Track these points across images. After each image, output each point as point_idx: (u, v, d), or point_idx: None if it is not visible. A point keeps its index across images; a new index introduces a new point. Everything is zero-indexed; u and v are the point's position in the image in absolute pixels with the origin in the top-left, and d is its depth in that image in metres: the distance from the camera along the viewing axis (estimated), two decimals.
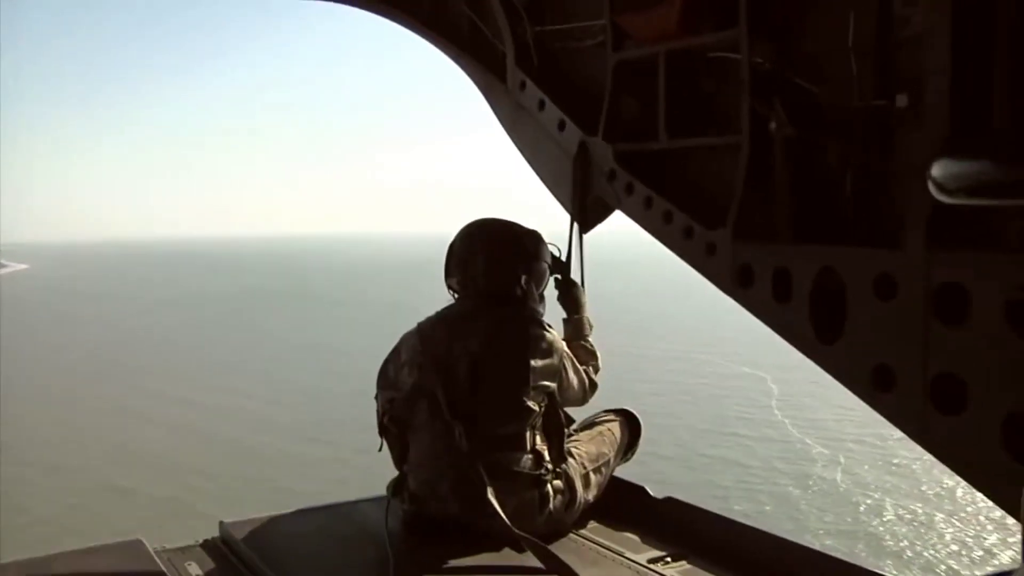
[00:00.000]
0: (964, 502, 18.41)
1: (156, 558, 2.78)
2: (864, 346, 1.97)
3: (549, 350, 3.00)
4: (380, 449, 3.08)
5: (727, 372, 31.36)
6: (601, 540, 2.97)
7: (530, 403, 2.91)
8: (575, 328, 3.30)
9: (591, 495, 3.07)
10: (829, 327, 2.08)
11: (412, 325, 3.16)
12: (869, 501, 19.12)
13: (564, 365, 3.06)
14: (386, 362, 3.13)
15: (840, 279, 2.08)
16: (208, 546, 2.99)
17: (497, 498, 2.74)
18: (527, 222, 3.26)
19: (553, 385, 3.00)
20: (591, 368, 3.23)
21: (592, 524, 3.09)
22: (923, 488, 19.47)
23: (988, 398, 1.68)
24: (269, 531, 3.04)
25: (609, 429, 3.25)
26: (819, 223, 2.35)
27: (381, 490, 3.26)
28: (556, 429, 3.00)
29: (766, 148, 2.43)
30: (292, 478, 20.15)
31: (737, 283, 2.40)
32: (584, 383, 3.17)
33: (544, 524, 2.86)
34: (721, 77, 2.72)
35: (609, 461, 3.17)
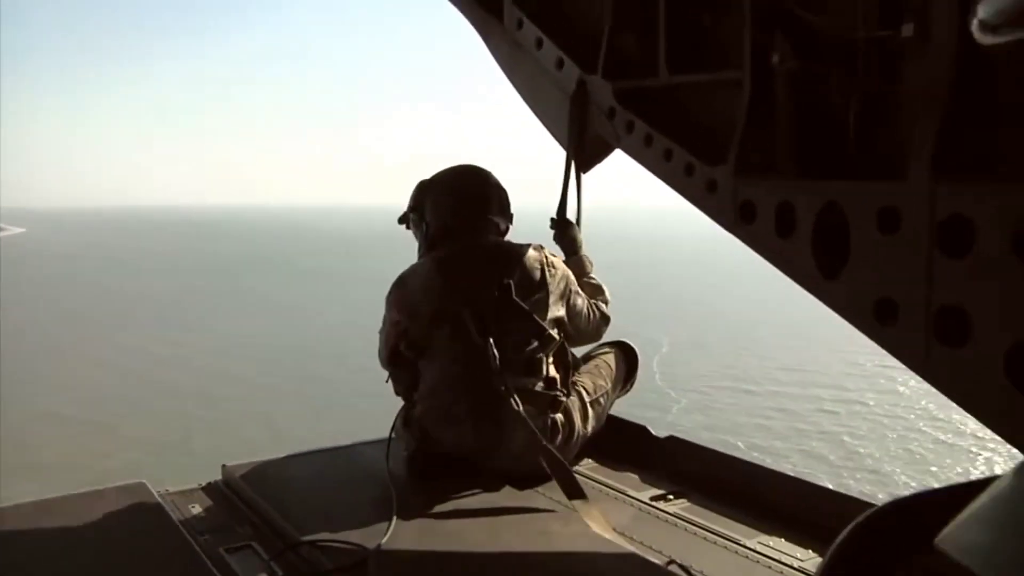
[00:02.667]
0: (761, 437, 21.65)
1: (160, 500, 2.82)
2: (866, 280, 1.95)
3: (557, 273, 3.13)
4: (387, 380, 3.16)
5: (627, 333, 34.13)
6: (601, 478, 3.00)
7: (551, 330, 3.00)
8: (576, 267, 3.33)
9: (589, 428, 3.16)
10: (832, 262, 2.06)
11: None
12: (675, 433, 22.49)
13: (571, 289, 3.17)
14: (391, 293, 3.16)
15: (843, 213, 2.06)
16: (210, 489, 3.04)
17: (509, 425, 2.83)
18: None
19: (562, 312, 3.09)
20: (600, 302, 3.30)
21: (591, 463, 3.13)
22: (736, 425, 22.58)
23: (992, 329, 1.67)
24: (271, 473, 3.08)
25: (605, 361, 3.31)
26: (822, 157, 2.32)
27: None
28: (563, 360, 3.12)
29: (768, 82, 2.39)
30: (203, 410, 25.09)
31: (739, 219, 2.38)
32: (594, 313, 3.26)
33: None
34: (722, 10, 2.66)
35: (607, 393, 3.21)
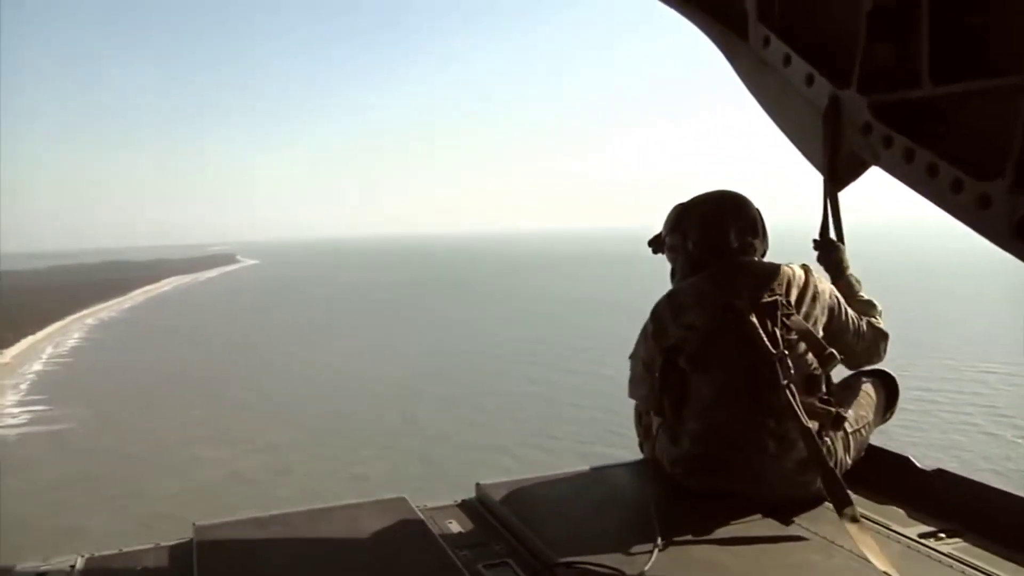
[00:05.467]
0: None
1: (420, 515, 2.95)
2: None
3: (824, 291, 3.09)
4: (658, 392, 3.08)
5: None
6: (862, 512, 2.79)
7: (831, 349, 2.89)
8: (844, 288, 3.26)
9: (850, 459, 2.99)
10: None
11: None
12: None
13: (838, 307, 3.10)
14: (661, 309, 3.16)
15: None
16: (465, 506, 3.13)
17: (788, 441, 2.78)
18: None
19: (821, 332, 3.00)
20: (873, 318, 3.25)
21: (851, 495, 2.94)
22: None
23: None
24: (526, 493, 3.12)
25: (866, 391, 3.15)
26: None
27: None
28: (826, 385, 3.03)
29: None
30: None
31: (1017, 236, 2.22)
32: (863, 329, 3.17)
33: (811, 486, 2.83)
34: (994, 11, 2.49)
35: (868, 424, 3.09)
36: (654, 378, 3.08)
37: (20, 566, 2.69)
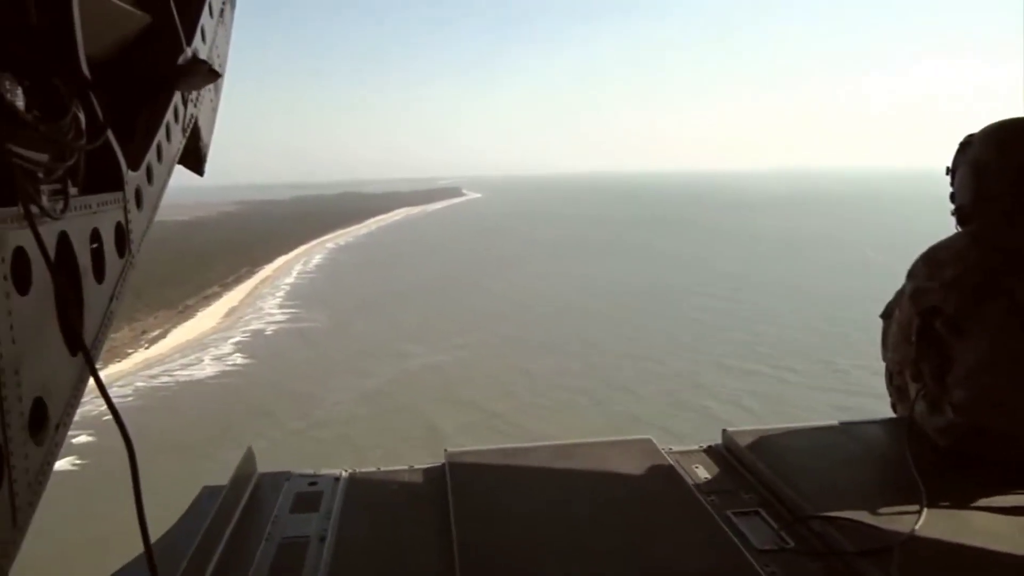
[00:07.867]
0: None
1: (667, 458, 3.02)
2: None
3: None
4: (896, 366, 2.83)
5: None
6: None
7: None
8: None
9: None
10: None
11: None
12: None
13: None
14: (918, 269, 3.00)
15: None
16: (712, 452, 3.15)
17: None
18: None
19: None
20: None
21: None
22: None
23: None
24: (773, 443, 3.06)
25: None
26: None
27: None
28: None
29: None
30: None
31: None
32: None
33: None
34: None
35: None
36: (910, 342, 2.89)
37: (296, 472, 2.96)
